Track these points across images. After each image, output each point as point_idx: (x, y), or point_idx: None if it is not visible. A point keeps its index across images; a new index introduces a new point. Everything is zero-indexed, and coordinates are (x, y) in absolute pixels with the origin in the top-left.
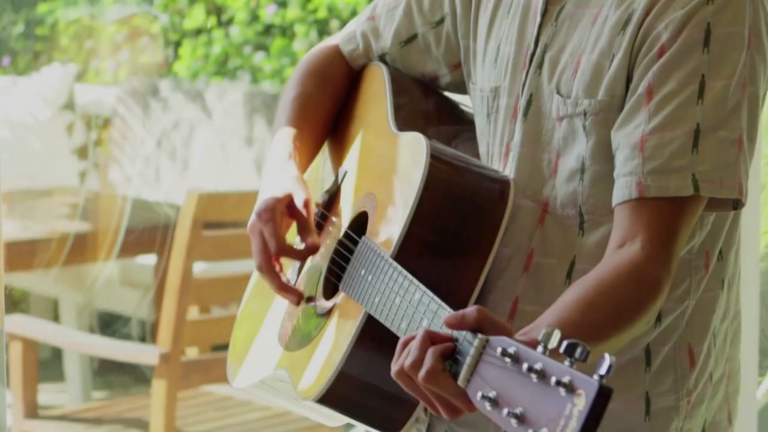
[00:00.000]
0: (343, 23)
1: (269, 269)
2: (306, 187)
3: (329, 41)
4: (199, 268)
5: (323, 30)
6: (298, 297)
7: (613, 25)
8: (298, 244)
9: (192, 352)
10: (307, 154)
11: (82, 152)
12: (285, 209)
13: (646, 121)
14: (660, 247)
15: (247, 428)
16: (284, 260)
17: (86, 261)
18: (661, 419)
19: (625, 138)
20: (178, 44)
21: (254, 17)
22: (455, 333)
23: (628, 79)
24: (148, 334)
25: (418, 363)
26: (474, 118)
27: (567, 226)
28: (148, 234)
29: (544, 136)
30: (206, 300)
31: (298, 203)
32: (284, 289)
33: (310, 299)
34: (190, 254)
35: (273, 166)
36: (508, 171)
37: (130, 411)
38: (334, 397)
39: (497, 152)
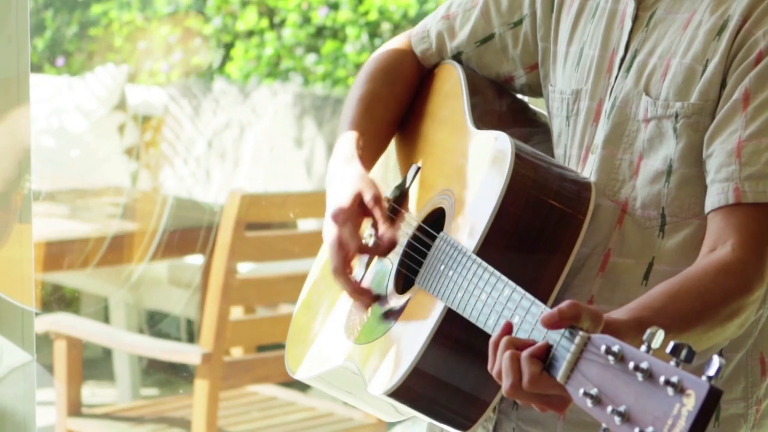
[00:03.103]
0: (394, 25)
1: (345, 273)
2: (373, 182)
3: (400, 39)
4: (247, 268)
5: (374, 32)
6: (370, 300)
7: (708, 31)
8: (368, 239)
9: (237, 353)
10: (372, 151)
11: (133, 152)
12: (358, 208)
13: (743, 127)
14: (751, 250)
15: (291, 428)
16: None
17: (135, 260)
18: (730, 426)
19: (720, 144)
20: (230, 46)
21: (306, 19)
22: (549, 336)
23: (722, 85)
24: (196, 334)
25: (516, 381)
26: (548, 120)
27: (647, 227)
28: (196, 234)
29: (626, 137)
30: (251, 300)
31: (368, 200)
32: (358, 292)
33: (378, 297)
34: (233, 255)
35: (337, 168)
36: (588, 172)
37: (174, 410)
38: (407, 392)
39: (576, 155)
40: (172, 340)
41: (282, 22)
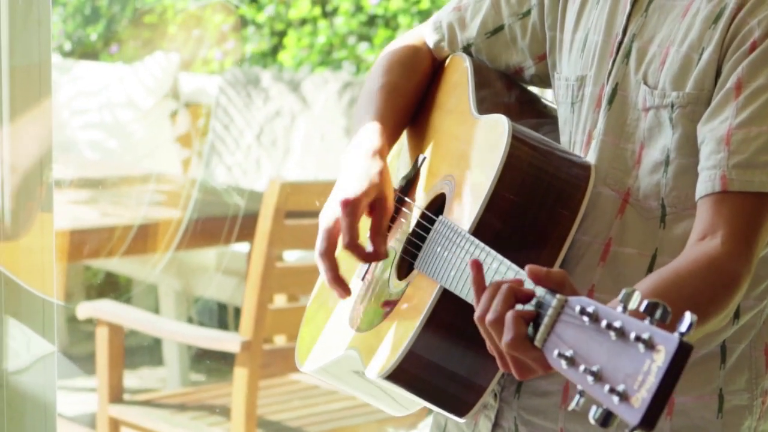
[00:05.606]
0: None
1: (330, 258)
2: (392, 190)
3: (414, 31)
4: (295, 256)
5: (425, 20)
6: (346, 293)
7: (704, 19)
8: (365, 243)
9: (280, 341)
10: (391, 144)
11: (185, 141)
12: (367, 206)
13: (734, 115)
14: (741, 243)
15: (332, 417)
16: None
17: (185, 248)
18: (734, 417)
19: (711, 132)
20: (283, 34)
21: (358, 8)
22: (537, 289)
23: (718, 74)
24: None
25: (499, 320)
26: (556, 110)
27: (648, 217)
28: (242, 222)
29: (628, 126)
30: (292, 289)
31: (382, 205)
32: (337, 281)
33: (380, 285)
34: (273, 243)
35: (360, 155)
36: (589, 159)
37: (216, 398)
38: (403, 374)
39: (579, 140)
40: (220, 328)
41: (334, 11)
